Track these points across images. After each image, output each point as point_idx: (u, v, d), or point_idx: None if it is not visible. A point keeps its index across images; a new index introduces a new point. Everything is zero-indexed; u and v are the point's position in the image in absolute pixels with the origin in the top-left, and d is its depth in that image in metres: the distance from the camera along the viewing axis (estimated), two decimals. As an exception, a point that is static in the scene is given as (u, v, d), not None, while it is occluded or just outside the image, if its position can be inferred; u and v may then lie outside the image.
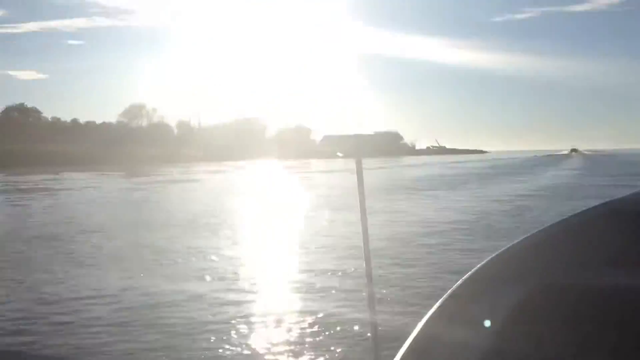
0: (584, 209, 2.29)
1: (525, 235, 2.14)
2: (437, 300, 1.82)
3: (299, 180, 34.98)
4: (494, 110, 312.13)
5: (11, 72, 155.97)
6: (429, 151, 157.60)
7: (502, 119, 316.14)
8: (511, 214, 16.93)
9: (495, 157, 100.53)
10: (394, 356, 1.58)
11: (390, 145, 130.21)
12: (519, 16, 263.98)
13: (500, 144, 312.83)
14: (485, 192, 22.15)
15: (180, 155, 79.20)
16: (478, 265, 1.98)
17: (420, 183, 26.25)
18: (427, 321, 1.73)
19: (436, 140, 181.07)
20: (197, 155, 78.15)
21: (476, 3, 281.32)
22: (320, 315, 6.84)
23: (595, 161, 63.97)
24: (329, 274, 9.19)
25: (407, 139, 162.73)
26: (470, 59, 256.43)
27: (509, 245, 2.08)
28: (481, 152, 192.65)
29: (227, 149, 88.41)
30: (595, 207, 2.27)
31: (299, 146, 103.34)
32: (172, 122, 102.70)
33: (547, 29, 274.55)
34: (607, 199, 2.32)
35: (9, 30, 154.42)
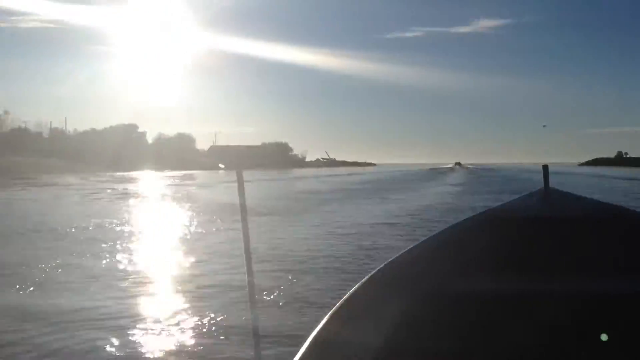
0: (465, 217, 2.49)
1: (413, 244, 2.29)
2: (329, 310, 1.94)
3: (171, 195, 30.81)
4: (385, 124, 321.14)
5: None
6: (318, 163, 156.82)
7: (392, 132, 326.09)
8: (348, 259, 9.99)
9: (381, 170, 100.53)
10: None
11: (279, 157, 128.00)
12: (407, 34, 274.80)
13: (389, 156, 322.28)
14: (341, 217, 17.26)
15: (44, 164, 71.53)
16: (370, 273, 2.11)
17: (270, 203, 21.65)
18: (325, 322, 1.86)
19: (326, 152, 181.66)
20: (64, 165, 70.90)
21: (369, 20, 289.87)
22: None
23: (478, 175, 64.98)
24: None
25: (297, 150, 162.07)
26: (363, 71, 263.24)
27: (397, 255, 2.22)
28: (370, 164, 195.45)
29: (102, 158, 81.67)
30: (476, 216, 2.46)
31: (182, 156, 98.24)
32: (38, 128, 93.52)
33: (433, 47, 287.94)
34: (487, 208, 2.57)
35: None
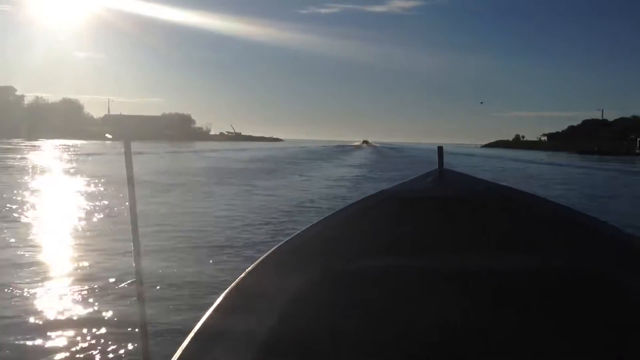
0: (362, 197, 2.47)
1: (309, 225, 2.26)
2: (223, 291, 1.90)
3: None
4: (295, 99, 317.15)
5: None
6: (222, 137, 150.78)
7: (302, 108, 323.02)
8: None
9: (284, 146, 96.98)
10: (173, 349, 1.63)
11: (180, 129, 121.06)
12: (323, 10, 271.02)
13: (299, 132, 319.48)
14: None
15: None
16: (263, 255, 2.08)
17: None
18: (213, 310, 1.82)
19: (231, 126, 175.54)
20: None
21: None
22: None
23: (382, 154, 63.72)
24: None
25: (201, 123, 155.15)
26: (276, 43, 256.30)
27: (293, 235, 2.21)
28: (277, 140, 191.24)
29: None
30: (371, 196, 2.43)
31: (68, 124, 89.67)
32: None
33: (348, 24, 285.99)
34: (384, 187, 2.51)
35: None
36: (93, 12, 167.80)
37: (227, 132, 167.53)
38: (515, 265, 2.03)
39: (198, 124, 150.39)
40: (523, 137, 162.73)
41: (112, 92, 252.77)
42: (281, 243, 2.17)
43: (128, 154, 1.89)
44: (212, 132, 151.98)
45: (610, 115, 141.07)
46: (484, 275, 1.99)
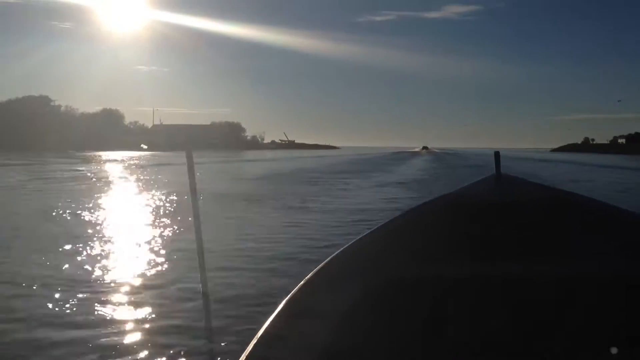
0: (420, 202, 2.48)
1: (369, 230, 2.25)
2: (286, 295, 1.87)
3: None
4: (350, 107, 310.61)
5: None
6: (274, 145, 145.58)
7: (358, 115, 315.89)
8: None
9: (337, 154, 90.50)
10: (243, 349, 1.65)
11: (231, 138, 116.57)
12: (378, 18, 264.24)
13: (355, 139, 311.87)
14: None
15: None
16: (324, 262, 2.06)
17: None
18: (276, 315, 1.80)
19: (284, 134, 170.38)
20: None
21: (341, 3, 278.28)
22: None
23: (442, 160, 57.67)
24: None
25: (254, 131, 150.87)
26: (331, 53, 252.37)
27: (352, 241, 2.19)
28: (332, 147, 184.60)
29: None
30: (429, 202, 2.45)
31: (107, 134, 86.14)
32: None
33: (404, 31, 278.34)
34: (444, 193, 2.52)
35: None
36: (146, 25, 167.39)
37: (280, 140, 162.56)
38: (576, 271, 1.97)
39: (252, 133, 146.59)
40: (593, 139, 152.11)
41: (167, 103, 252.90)
42: (341, 249, 2.15)
43: (190, 164, 1.99)
44: (265, 141, 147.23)
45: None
46: (544, 281, 1.93)
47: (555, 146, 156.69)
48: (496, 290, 1.90)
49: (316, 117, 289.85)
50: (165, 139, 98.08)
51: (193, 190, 1.93)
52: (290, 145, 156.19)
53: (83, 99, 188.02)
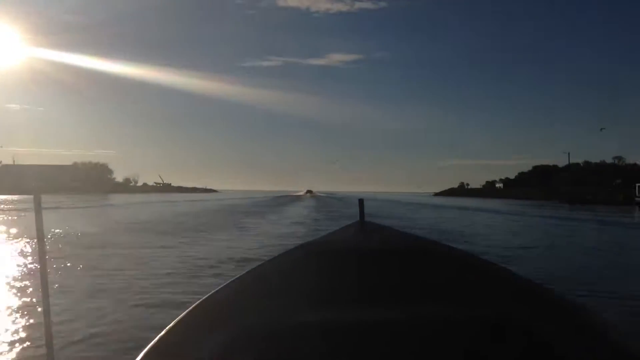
0: (282, 251, 2.50)
1: (230, 279, 2.26)
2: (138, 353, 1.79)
3: None
4: (236, 150, 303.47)
5: None
6: (147, 188, 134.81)
7: (243, 158, 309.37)
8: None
9: (210, 199, 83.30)
10: None
11: (95, 180, 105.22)
12: (264, 63, 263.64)
13: (236, 183, 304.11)
14: None
15: None
16: (183, 313, 2.01)
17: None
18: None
19: (159, 176, 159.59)
20: None
21: (227, 48, 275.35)
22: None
23: (325, 203, 55.87)
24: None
25: (131, 173, 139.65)
26: (216, 93, 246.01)
27: (211, 292, 2.16)
28: (211, 190, 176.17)
29: None
30: (294, 249, 2.50)
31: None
32: None
33: (288, 77, 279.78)
34: (303, 241, 2.64)
35: None
36: (22, 62, 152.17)
37: (155, 182, 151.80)
38: (433, 313, 2.06)
39: (125, 175, 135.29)
40: (467, 184, 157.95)
41: (40, 144, 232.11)
42: (203, 298, 2.13)
43: (38, 209, 1.89)
44: (138, 184, 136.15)
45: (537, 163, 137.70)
46: (404, 325, 2.01)
47: (437, 190, 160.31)
48: (358, 335, 1.95)
49: (197, 160, 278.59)
50: (13, 181, 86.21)
51: (40, 236, 1.79)
52: (166, 188, 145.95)
53: None
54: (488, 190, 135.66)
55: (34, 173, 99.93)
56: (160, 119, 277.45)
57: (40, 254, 1.92)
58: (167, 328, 1.93)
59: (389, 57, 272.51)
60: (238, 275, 2.29)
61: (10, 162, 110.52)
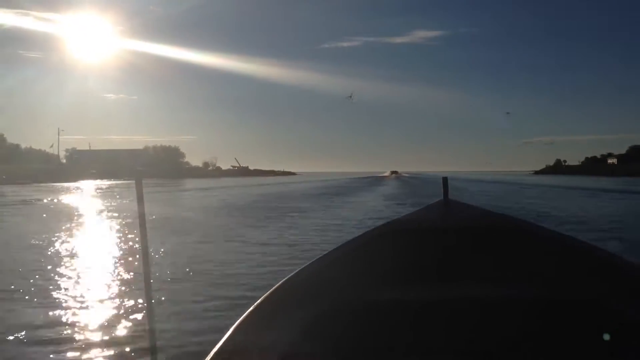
0: (368, 229, 2.51)
1: (318, 257, 2.32)
2: (234, 321, 1.92)
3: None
4: (311, 133, 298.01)
5: None
6: (219, 172, 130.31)
7: (322, 141, 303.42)
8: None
9: (292, 181, 77.40)
10: None
11: (168, 164, 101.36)
12: (343, 44, 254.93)
13: (315, 165, 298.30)
14: None
15: None
16: (272, 288, 2.10)
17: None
18: (223, 341, 1.83)
19: (236, 160, 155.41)
20: None
21: (305, 30, 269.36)
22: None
23: (409, 184, 52.57)
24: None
25: (206, 157, 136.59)
26: (295, 79, 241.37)
27: (300, 268, 2.25)
28: (290, 173, 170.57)
29: None
30: (378, 228, 2.50)
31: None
32: None
33: (369, 57, 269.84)
34: (389, 219, 2.60)
35: None
36: (115, 54, 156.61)
37: (232, 166, 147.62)
38: (516, 293, 2.03)
39: (205, 159, 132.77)
40: (564, 161, 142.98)
41: (133, 131, 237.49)
42: (288, 276, 2.17)
43: (140, 194, 1.96)
44: (211, 168, 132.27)
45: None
46: (486, 303, 1.99)
47: (536, 169, 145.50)
48: (441, 313, 1.97)
49: (274, 144, 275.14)
50: (83, 167, 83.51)
51: (142, 218, 1.90)
52: (243, 171, 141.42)
53: (52, 128, 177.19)
54: (590, 167, 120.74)
55: (105, 158, 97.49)
56: (240, 105, 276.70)
57: (142, 235, 2.01)
58: (255, 303, 2.02)
59: (476, 32, 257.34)
60: (324, 253, 2.35)
61: (86, 148, 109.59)
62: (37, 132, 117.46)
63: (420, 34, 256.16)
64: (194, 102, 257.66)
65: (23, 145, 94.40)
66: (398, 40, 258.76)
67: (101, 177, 77.58)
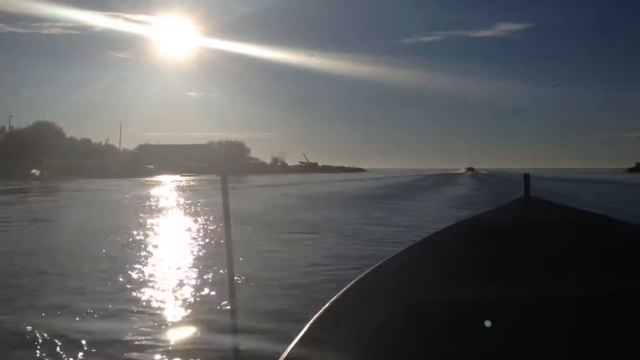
0: (443, 227, 2.49)
1: (394, 253, 2.29)
2: (311, 317, 1.90)
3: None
4: (388, 127, 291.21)
5: None
6: (284, 169, 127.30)
7: (395, 136, 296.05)
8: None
9: (359, 178, 73.23)
10: None
11: (233, 160, 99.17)
12: (426, 38, 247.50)
13: (388, 162, 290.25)
14: None
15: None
16: (351, 283, 2.09)
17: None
18: (299, 338, 1.80)
19: (304, 155, 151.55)
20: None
21: (387, 25, 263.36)
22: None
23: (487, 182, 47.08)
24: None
25: (277, 153, 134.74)
26: (373, 75, 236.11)
27: (378, 264, 2.22)
28: (360, 170, 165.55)
29: None
30: (458, 224, 2.50)
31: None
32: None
33: (452, 51, 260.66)
34: (466, 217, 2.63)
35: None
36: (195, 52, 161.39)
37: (300, 162, 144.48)
38: (600, 291, 1.95)
39: (274, 154, 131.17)
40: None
41: (213, 128, 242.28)
42: (366, 272, 2.15)
43: (225, 189, 2.07)
44: (279, 164, 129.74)
45: None
46: (570, 302, 1.91)
47: (628, 166, 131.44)
48: (522, 310, 1.89)
49: (344, 140, 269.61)
50: (149, 162, 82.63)
51: (226, 212, 1.99)
52: (312, 167, 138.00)
53: (138, 126, 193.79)
54: None
55: (169, 152, 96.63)
56: (319, 103, 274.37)
57: (226, 228, 2.10)
58: (331, 300, 2.00)
59: (561, 23, 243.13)
60: (404, 248, 2.32)
61: (154, 142, 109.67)
62: (120, 129, 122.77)
63: (505, 27, 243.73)
64: (271, 99, 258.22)
65: (103, 142, 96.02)
66: (481, 34, 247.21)
67: (165, 172, 76.67)
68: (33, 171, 58.89)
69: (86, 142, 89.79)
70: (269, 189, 43.52)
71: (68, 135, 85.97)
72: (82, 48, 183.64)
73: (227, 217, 2.09)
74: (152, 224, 16.00)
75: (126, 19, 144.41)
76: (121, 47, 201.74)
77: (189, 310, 6.36)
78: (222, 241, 4.75)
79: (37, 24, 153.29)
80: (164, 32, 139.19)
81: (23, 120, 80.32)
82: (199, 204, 23.62)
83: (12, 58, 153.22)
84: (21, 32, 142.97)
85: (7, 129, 79.55)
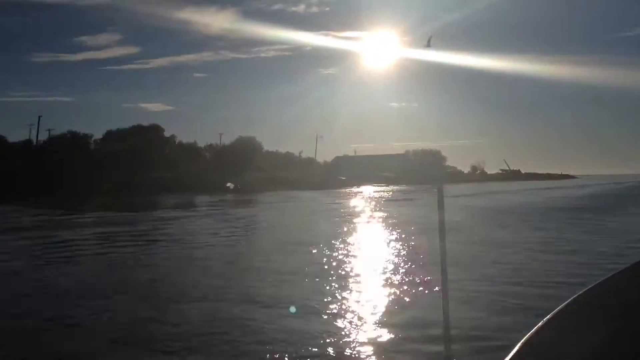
0: None
1: (608, 275, 2.22)
2: (523, 334, 1.86)
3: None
4: (601, 130, 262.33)
5: (142, 105, 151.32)
6: (482, 177, 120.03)
7: (611, 140, 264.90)
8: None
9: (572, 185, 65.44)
10: None
11: (430, 169, 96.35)
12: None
13: (600, 168, 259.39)
14: None
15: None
16: (562, 304, 2.02)
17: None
18: (515, 353, 1.77)
19: (505, 162, 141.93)
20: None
21: (598, 20, 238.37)
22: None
23: None
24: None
25: (475, 161, 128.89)
26: (582, 74, 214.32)
27: (592, 285, 2.12)
28: (569, 177, 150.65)
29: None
30: None
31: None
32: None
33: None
34: None
35: (141, 66, 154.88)
36: (395, 63, 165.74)
37: (500, 169, 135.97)
38: None
39: (472, 162, 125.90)
40: None
41: (415, 138, 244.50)
42: (580, 293, 2.07)
43: (441, 201, 2.12)
44: (477, 172, 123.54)
45: None
46: None
47: None
48: None
49: (554, 146, 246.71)
50: (343, 173, 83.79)
51: (441, 223, 2.04)
52: (514, 175, 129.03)
53: (340, 138, 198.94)
54: None
55: (363, 163, 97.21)
56: (513, 107, 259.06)
57: (441, 241, 2.09)
58: (557, 309, 1.96)
59: None
60: (613, 273, 2.24)
61: (352, 154, 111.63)
62: (315, 141, 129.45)
63: None
64: (469, 106, 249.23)
65: (298, 154, 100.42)
66: None
67: (358, 183, 77.22)
68: (228, 184, 62.34)
69: (288, 155, 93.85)
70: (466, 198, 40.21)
71: (267, 149, 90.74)
72: (294, 67, 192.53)
73: (442, 232, 2.07)
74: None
75: (335, 37, 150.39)
76: (328, 63, 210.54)
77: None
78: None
79: (256, 49, 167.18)
80: (368, 46, 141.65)
81: (234, 137, 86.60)
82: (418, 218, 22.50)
83: (235, 81, 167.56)
84: (243, 57, 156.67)
85: (218, 144, 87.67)
